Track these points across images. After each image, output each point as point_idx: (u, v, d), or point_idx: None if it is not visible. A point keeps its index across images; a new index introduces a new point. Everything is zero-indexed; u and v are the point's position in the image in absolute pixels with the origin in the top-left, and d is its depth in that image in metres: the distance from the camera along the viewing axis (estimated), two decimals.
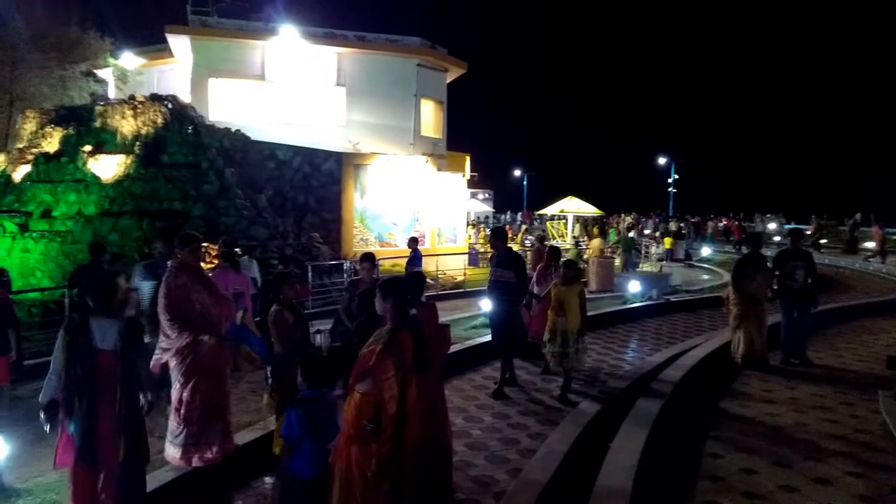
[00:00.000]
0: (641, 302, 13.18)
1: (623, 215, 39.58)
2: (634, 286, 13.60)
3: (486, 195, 47.97)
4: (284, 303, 5.07)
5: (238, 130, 18.19)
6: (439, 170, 21.78)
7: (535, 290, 8.32)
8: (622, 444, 4.87)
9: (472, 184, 30.95)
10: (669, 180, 45.72)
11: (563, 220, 30.67)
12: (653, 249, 24.66)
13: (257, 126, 19.56)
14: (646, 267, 17.41)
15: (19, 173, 16.54)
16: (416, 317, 4.00)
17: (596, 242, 19.04)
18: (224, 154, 16.83)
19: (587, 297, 7.80)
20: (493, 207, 49.06)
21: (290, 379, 4.50)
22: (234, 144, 17.66)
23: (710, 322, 11.84)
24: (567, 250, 26.19)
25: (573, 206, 28.32)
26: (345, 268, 15.78)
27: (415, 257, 11.73)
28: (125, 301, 5.56)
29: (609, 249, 21.54)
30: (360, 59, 21.75)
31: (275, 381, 4.94)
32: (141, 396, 3.98)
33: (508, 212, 50.67)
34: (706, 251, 27.57)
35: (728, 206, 44.41)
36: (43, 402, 3.84)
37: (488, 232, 26.71)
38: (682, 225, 32.13)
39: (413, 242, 12.22)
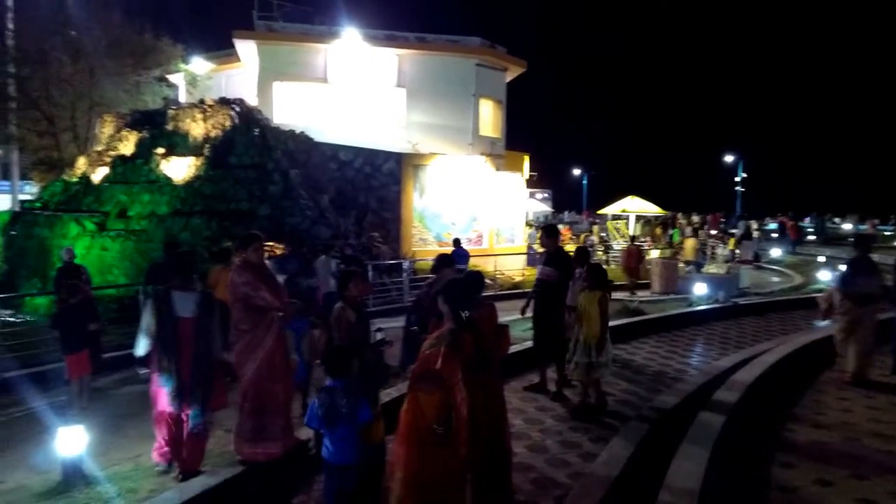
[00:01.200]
0: (708, 305, 12.79)
1: (683, 214, 38.36)
2: (700, 288, 13.22)
3: (545, 195, 47.46)
4: (348, 300, 5.15)
5: (302, 132, 18.63)
6: (498, 169, 21.71)
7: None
8: (688, 451, 4.73)
9: (530, 183, 30.72)
10: (737, 179, 44.03)
11: (625, 220, 30.08)
12: (719, 251, 23.90)
13: (320, 128, 19.97)
14: (712, 269, 16.86)
15: (98, 175, 17.43)
16: (474, 317, 4.00)
17: (691, 243, 18.39)
18: (288, 155, 17.25)
19: (647, 299, 7.61)
20: (552, 207, 48.50)
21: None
22: (298, 146, 18.09)
23: (780, 326, 11.39)
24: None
25: (635, 206, 27.74)
26: (404, 267, 15.94)
27: (457, 256, 11.82)
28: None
29: (672, 250, 21.01)
30: (419, 60, 21.91)
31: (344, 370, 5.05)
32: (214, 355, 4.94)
33: (567, 211, 49.97)
34: (777, 252, 26.50)
35: (795, 205, 42.40)
36: (138, 355, 4.94)
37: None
38: (755, 224, 30.88)
39: (457, 242, 13.84)
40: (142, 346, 4.90)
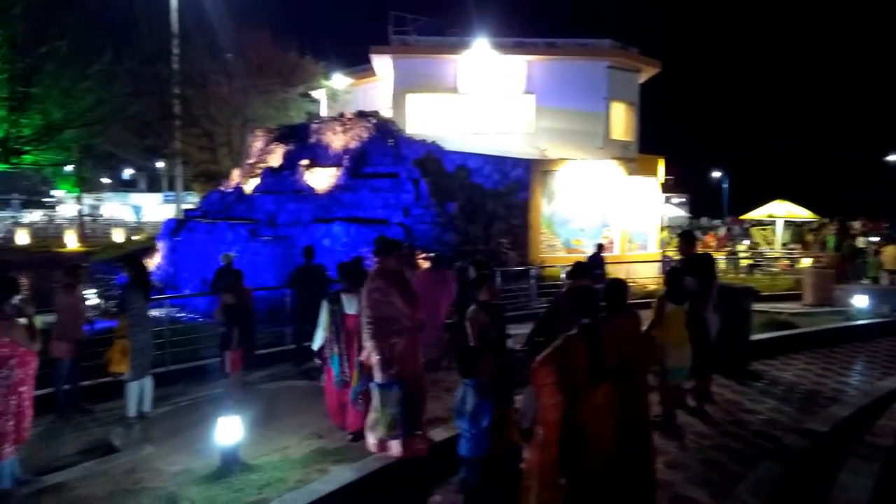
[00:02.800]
0: (869, 319, 11.60)
1: (837, 219, 34.83)
2: (860, 301, 12.01)
3: (682, 199, 45.25)
4: (482, 303, 5.25)
5: (433, 142, 19.14)
6: (630, 174, 21.01)
7: None
8: (849, 479, 4.33)
9: (666, 188, 29.40)
10: None
11: (771, 226, 27.97)
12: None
13: (450, 137, 20.40)
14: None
15: (250, 185, 18.98)
16: (592, 325, 3.90)
17: (891, 250, 16.54)
18: (420, 164, 17.81)
19: (797, 311, 7.02)
20: (690, 212, 46.10)
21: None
22: (429, 155, 18.62)
23: None
24: (776, 259, 23.90)
25: (782, 210, 25.71)
26: (531, 274, 15.86)
27: (593, 262, 11.76)
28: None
29: (827, 259, 19.26)
30: (548, 66, 21.76)
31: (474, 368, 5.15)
32: None
33: (705, 218, 47.20)
34: None
35: None
36: (314, 347, 6.29)
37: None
38: None
39: (599, 248, 14.28)
40: (318, 340, 6.23)
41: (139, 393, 6.88)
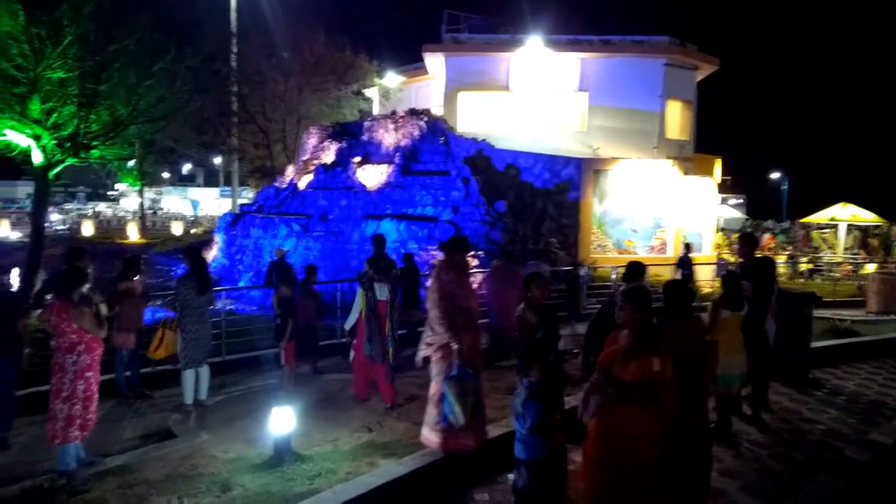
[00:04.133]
0: None
1: None
2: None
3: (739, 201, 43.89)
4: (530, 302, 5.20)
5: (483, 140, 19.12)
6: (686, 174, 20.51)
7: None
8: None
9: (722, 188, 28.60)
10: None
11: (833, 230, 26.89)
12: None
13: (501, 135, 20.34)
14: None
15: (303, 182, 19.35)
16: (666, 329, 3.82)
17: None
18: (470, 162, 17.82)
19: (860, 319, 6.72)
20: (747, 214, 44.67)
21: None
22: (480, 153, 18.61)
23: None
24: (838, 264, 22.97)
25: (846, 214, 24.69)
26: (581, 274, 15.66)
27: (681, 262, 12.72)
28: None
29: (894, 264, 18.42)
30: (603, 63, 21.44)
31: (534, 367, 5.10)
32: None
33: (771, 220, 45.50)
34: None
35: None
36: (347, 327, 7.33)
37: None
38: None
39: (686, 248, 14.89)
40: (350, 319, 7.18)
41: (194, 381, 7.08)
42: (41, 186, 13.00)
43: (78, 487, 4.93)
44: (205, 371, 7.20)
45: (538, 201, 18.90)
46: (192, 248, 7.64)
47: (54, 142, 12.07)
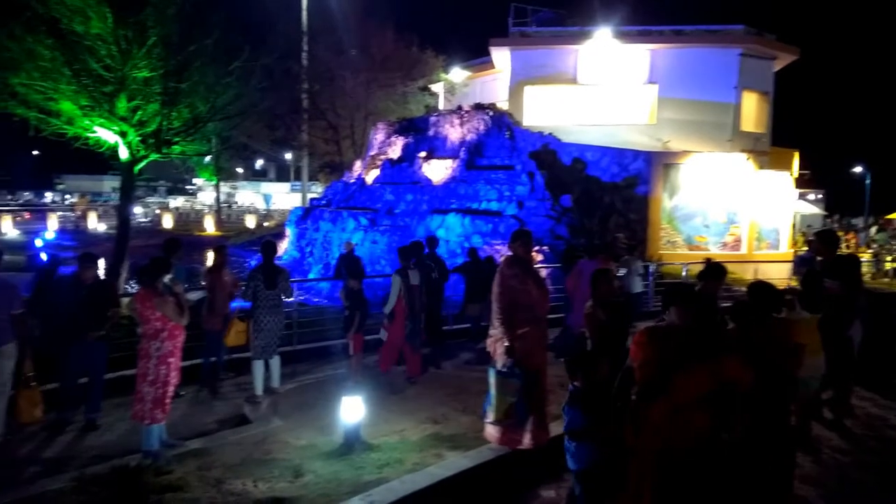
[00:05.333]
0: None
1: None
2: None
3: (817, 196, 41.81)
4: (598, 299, 5.10)
5: (549, 134, 18.92)
6: (761, 168, 19.70)
7: None
8: None
9: (800, 183, 27.29)
10: None
11: None
12: None
13: (567, 128, 20.07)
14: None
15: (370, 176, 19.70)
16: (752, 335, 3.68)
17: None
18: (535, 157, 17.69)
19: None
20: (825, 210, 42.50)
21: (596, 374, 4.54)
22: (545, 147, 18.43)
23: None
24: None
25: None
26: (650, 271, 15.31)
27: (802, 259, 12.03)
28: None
29: None
30: (674, 54, 20.82)
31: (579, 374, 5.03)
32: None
33: (842, 217, 43.18)
34: None
35: None
36: (386, 311, 7.60)
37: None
38: None
39: (809, 245, 13.24)
40: (389, 304, 7.56)
41: (263, 371, 7.30)
42: (127, 181, 13.72)
43: (162, 468, 5.19)
44: (276, 361, 7.43)
45: (605, 196, 18.57)
46: (267, 242, 7.86)
47: (139, 138, 12.70)
